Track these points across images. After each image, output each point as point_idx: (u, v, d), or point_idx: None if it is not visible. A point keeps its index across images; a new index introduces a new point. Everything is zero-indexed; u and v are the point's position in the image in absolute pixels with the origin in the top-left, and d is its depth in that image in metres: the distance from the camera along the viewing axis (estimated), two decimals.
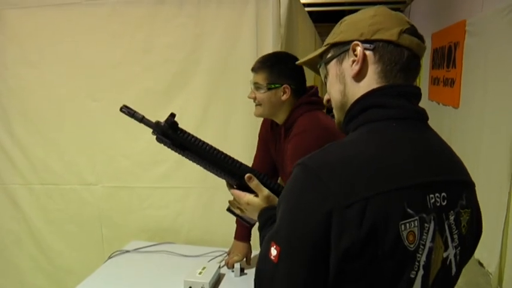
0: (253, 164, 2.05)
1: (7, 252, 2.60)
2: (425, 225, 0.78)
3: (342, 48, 0.91)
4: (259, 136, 2.05)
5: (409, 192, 0.78)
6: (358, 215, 0.73)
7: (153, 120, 1.19)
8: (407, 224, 0.76)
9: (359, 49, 0.87)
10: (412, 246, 0.77)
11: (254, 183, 1.17)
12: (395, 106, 0.85)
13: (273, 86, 1.72)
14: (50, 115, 2.44)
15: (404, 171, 0.79)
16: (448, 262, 0.86)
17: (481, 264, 2.41)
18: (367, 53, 0.88)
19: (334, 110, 0.97)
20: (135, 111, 1.21)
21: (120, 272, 1.99)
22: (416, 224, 0.77)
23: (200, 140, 1.22)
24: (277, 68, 1.72)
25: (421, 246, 0.78)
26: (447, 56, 3.72)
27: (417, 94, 0.90)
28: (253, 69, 1.77)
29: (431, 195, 0.80)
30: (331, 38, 0.94)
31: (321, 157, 0.80)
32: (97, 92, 2.38)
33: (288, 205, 0.81)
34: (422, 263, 0.79)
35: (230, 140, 2.29)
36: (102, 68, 2.35)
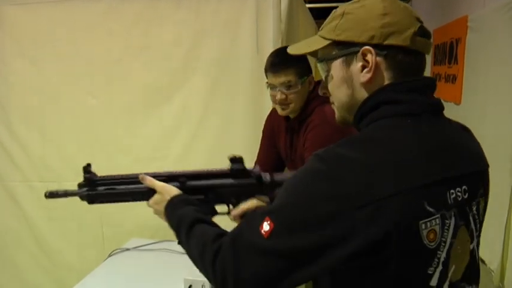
0: (257, 160, 2.04)
1: (7, 250, 2.59)
2: (446, 221, 0.77)
3: (349, 49, 0.85)
4: (263, 132, 2.03)
5: (428, 190, 0.75)
6: (373, 216, 0.70)
7: None
8: (428, 223, 0.74)
9: (371, 57, 0.82)
10: (432, 244, 0.75)
11: (147, 180, 1.16)
12: (407, 101, 0.83)
13: (304, 79, 1.68)
14: (49, 112, 2.43)
15: (422, 169, 0.77)
16: (474, 253, 0.86)
17: (482, 261, 2.39)
18: (378, 59, 0.83)
19: (336, 109, 0.93)
20: (57, 191, 1.23)
21: (120, 270, 1.99)
22: (437, 222, 0.75)
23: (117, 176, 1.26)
24: (302, 59, 1.67)
25: (442, 244, 0.77)
26: (449, 52, 3.69)
27: (430, 85, 0.87)
28: (277, 70, 1.67)
29: (452, 191, 0.79)
30: (333, 33, 0.87)
31: (337, 152, 0.78)
32: (96, 89, 2.37)
33: (295, 188, 0.78)
34: (442, 259, 0.77)
35: (231, 136, 2.28)
36: (102, 64, 2.34)
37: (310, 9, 4.95)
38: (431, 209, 0.74)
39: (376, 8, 0.83)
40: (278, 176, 1.16)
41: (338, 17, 0.87)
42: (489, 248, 2.31)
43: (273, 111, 1.90)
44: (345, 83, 0.88)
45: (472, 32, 3.06)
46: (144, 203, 2.51)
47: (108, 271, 1.99)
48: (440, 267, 0.77)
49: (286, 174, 1.14)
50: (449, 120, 0.89)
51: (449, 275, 0.80)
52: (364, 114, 0.86)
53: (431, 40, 0.89)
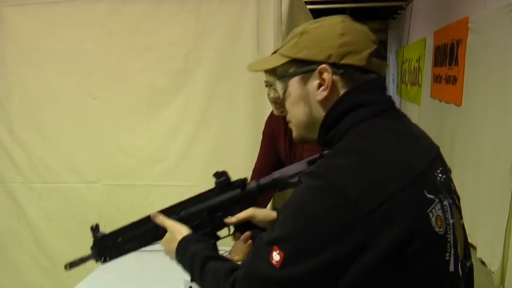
0: (257, 161, 2.04)
1: (7, 251, 2.59)
2: (444, 204, 0.78)
3: (307, 67, 0.86)
4: (263, 133, 2.03)
5: (423, 179, 0.76)
6: (389, 216, 0.70)
7: None
8: (433, 210, 0.75)
9: (327, 75, 0.83)
10: (441, 230, 0.76)
11: (159, 218, 1.14)
12: (372, 102, 0.84)
13: None
14: (49, 113, 2.43)
15: (413, 160, 0.78)
16: (464, 229, 0.88)
17: (483, 263, 2.39)
18: (335, 77, 0.83)
19: (294, 127, 0.93)
20: (74, 261, 1.26)
21: (121, 271, 1.98)
22: (439, 207, 0.76)
23: (121, 228, 1.25)
24: None
25: (448, 226, 0.78)
26: (449, 54, 3.69)
27: (384, 82, 0.90)
28: None
29: (436, 174, 0.81)
30: (292, 51, 0.88)
31: (329, 165, 0.78)
32: (97, 89, 2.37)
33: (297, 210, 0.77)
34: (452, 242, 0.78)
35: (232, 136, 2.28)
36: (103, 65, 2.35)
37: (311, 10, 4.95)
38: (430, 196, 0.75)
39: (334, 28, 0.85)
40: (264, 180, 1.09)
41: (298, 35, 0.89)
42: (489, 250, 2.31)
43: (273, 113, 1.90)
44: (302, 101, 0.88)
45: (472, 34, 3.06)
46: (144, 199, 2.51)
47: (108, 272, 1.98)
48: (452, 250, 0.78)
49: (273, 175, 1.08)
50: (399, 110, 0.91)
51: (459, 255, 0.81)
52: (330, 127, 0.85)
53: (388, 62, 0.89)
